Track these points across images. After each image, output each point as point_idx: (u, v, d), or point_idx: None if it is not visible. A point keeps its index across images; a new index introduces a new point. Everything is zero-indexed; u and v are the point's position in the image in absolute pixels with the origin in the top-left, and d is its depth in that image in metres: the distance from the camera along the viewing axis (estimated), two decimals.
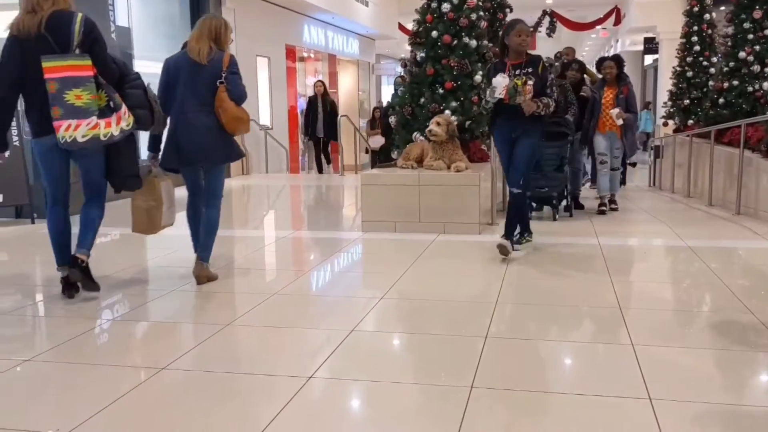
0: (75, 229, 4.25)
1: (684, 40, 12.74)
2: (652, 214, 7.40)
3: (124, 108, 3.92)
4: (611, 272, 4.66)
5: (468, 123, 6.63)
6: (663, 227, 6.48)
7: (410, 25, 7.33)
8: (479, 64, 6.73)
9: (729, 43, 9.06)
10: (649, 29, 18.84)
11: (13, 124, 6.86)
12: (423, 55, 6.72)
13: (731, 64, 8.85)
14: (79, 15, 3.84)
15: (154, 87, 4.33)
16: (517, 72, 4.95)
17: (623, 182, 9.31)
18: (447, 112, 6.51)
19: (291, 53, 14.34)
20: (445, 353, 3.23)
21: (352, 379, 2.96)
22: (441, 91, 6.63)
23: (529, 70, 4.98)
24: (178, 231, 6.41)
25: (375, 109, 14.45)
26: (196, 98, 4.22)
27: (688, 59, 12.62)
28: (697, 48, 12.54)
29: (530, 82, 4.91)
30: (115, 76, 3.98)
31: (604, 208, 7.35)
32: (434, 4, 6.67)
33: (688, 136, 9.89)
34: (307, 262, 5.38)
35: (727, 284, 4.27)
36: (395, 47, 23.12)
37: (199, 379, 2.95)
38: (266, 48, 12.86)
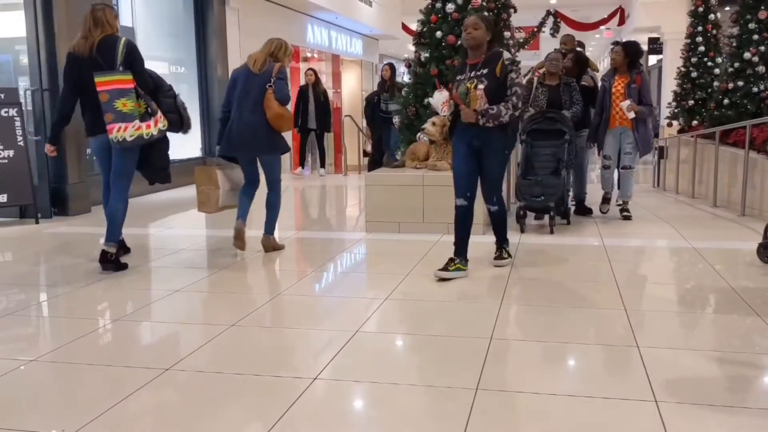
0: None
1: (689, 41, 12.72)
2: (656, 215, 7.38)
3: (159, 113, 4.80)
4: (616, 273, 4.65)
5: None
6: (668, 228, 6.47)
7: (414, 26, 7.33)
8: None
9: (734, 44, 9.05)
10: (654, 29, 18.81)
11: (18, 125, 6.90)
12: (427, 55, 6.72)
13: (736, 64, 8.83)
14: (123, 39, 4.75)
15: (183, 96, 5.29)
16: (472, 74, 4.41)
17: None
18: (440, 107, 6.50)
19: (294, 53, 14.33)
20: (449, 354, 3.22)
21: (357, 380, 2.95)
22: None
23: (484, 71, 4.38)
24: (183, 231, 6.41)
25: None
26: (250, 100, 5.09)
27: (693, 60, 12.60)
28: (701, 48, 12.51)
29: (480, 86, 4.33)
30: (150, 87, 4.84)
31: (625, 209, 6.91)
32: (438, 5, 6.67)
33: (692, 136, 9.88)
34: (310, 263, 5.37)
35: (733, 286, 4.26)
36: (399, 47, 23.12)
37: (203, 379, 2.95)
38: None
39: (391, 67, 10.50)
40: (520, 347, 3.32)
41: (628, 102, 6.55)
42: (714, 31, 12.49)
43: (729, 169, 8.01)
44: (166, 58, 10.49)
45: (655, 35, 19.71)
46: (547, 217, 6.29)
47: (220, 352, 3.28)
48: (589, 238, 5.95)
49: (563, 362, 3.16)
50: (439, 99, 4.35)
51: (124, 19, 9.29)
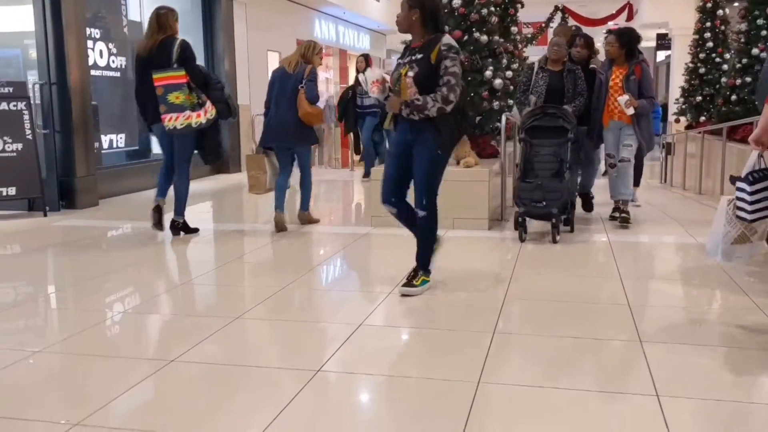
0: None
1: (697, 37, 12.68)
2: (663, 211, 7.37)
3: (209, 104, 5.46)
4: (620, 269, 4.66)
5: (478, 118, 6.62)
6: (674, 224, 6.46)
7: None
8: (490, 60, 6.71)
9: (742, 40, 9.02)
10: (662, 25, 18.74)
11: (26, 118, 6.94)
12: None
13: (744, 60, 8.81)
14: (178, 40, 5.41)
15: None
16: (409, 58, 3.95)
17: (636, 183, 7.55)
18: None
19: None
20: (452, 348, 3.24)
21: (360, 372, 2.97)
22: None
23: (419, 56, 3.88)
24: (191, 225, 6.42)
25: None
26: (285, 98, 5.84)
27: (701, 55, 12.56)
28: (709, 44, 12.47)
29: (410, 73, 3.87)
30: (200, 82, 5.50)
31: (615, 214, 6.30)
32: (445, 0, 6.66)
33: (699, 132, 9.85)
34: (315, 257, 5.40)
35: (737, 282, 4.25)
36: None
37: (208, 371, 2.97)
38: (277, 42, 12.87)
39: (366, 59, 9.85)
40: (523, 341, 3.33)
41: (626, 97, 5.87)
42: (722, 27, 12.45)
43: (736, 165, 7.99)
44: None
45: (663, 31, 19.64)
46: (549, 225, 5.59)
47: (225, 344, 3.30)
48: (594, 234, 5.91)
49: (566, 357, 3.17)
50: (371, 76, 3.92)
51: (132, 14, 9.32)
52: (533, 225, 5.95)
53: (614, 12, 19.89)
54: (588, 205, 6.86)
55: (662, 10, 17.51)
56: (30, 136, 6.98)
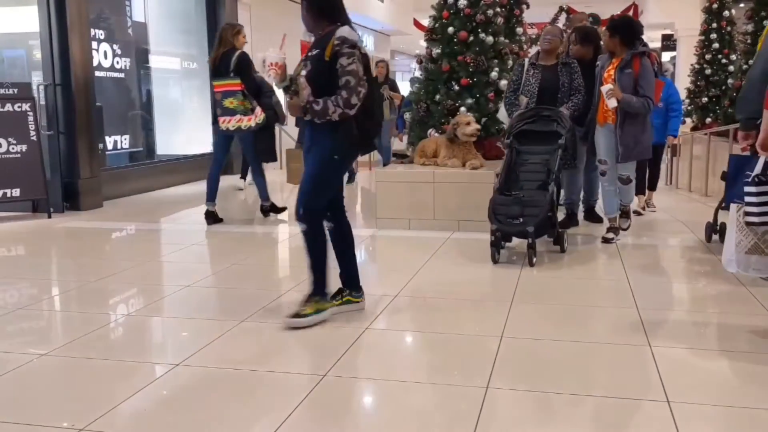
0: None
1: (702, 38, 12.64)
2: (669, 213, 7.33)
3: (258, 109, 6.12)
4: (628, 272, 4.62)
5: (483, 120, 6.59)
6: (680, 226, 6.42)
7: (426, 21, 7.31)
8: (495, 61, 6.69)
9: (748, 41, 8.98)
10: (667, 26, 18.70)
11: (30, 119, 6.93)
12: (438, 51, 6.69)
13: (750, 61, 8.75)
14: (237, 52, 6.11)
15: (194, 91, 6.51)
16: (307, 54, 3.55)
17: (653, 187, 7.23)
18: (462, 109, 6.48)
19: (306, 49, 14.32)
20: (459, 352, 3.21)
21: (366, 377, 2.95)
22: (456, 87, 6.60)
23: (315, 52, 3.46)
24: (193, 227, 6.41)
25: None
26: None
27: (707, 56, 12.52)
28: (716, 45, 12.43)
29: (303, 72, 3.49)
30: (253, 90, 6.20)
31: (609, 236, 5.49)
32: (450, 1, 6.64)
33: (705, 134, 9.80)
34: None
35: (745, 284, 4.22)
36: (410, 43, 23.07)
37: (213, 375, 2.95)
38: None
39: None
40: (530, 345, 3.30)
41: (609, 86, 5.13)
42: (728, 28, 12.41)
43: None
44: (178, 53, 10.51)
45: (668, 32, 19.59)
46: (526, 245, 4.77)
47: (231, 348, 3.28)
48: (598, 238, 5.87)
49: (574, 361, 3.14)
50: (270, 57, 3.57)
51: (137, 15, 9.32)
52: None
53: (619, 12, 19.84)
54: (595, 217, 6.30)
55: (668, 10, 17.47)
56: (34, 138, 6.97)
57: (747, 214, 3.29)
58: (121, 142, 9.06)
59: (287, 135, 10.00)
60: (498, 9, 6.87)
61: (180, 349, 3.26)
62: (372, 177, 8.47)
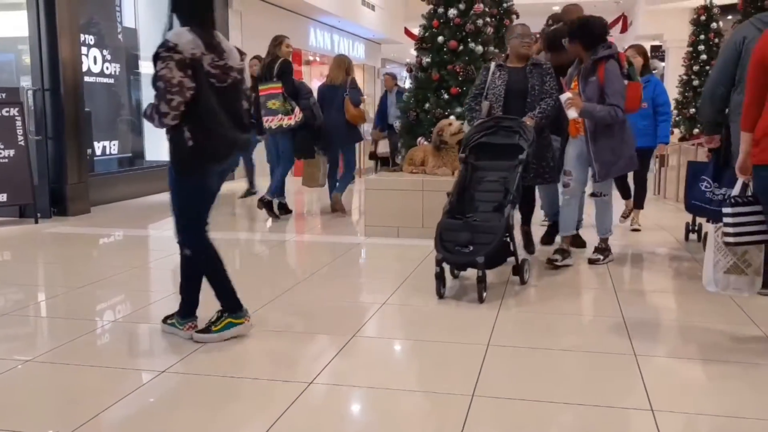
0: None
1: (691, 49, 12.75)
2: (657, 223, 7.37)
3: (297, 110, 6.92)
4: (615, 282, 4.64)
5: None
6: (668, 236, 6.45)
7: (416, 30, 7.34)
8: None
9: None
10: (656, 37, 18.84)
11: (18, 124, 6.90)
12: (428, 60, 6.72)
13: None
14: (280, 60, 6.94)
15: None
16: None
17: (640, 205, 6.68)
18: (452, 117, 6.50)
19: (297, 56, 14.34)
20: (446, 360, 3.21)
21: (353, 385, 2.95)
22: (446, 96, 6.63)
23: None
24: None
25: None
26: (334, 106, 7.27)
27: (695, 68, 12.62)
28: (703, 57, 12.55)
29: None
30: (292, 92, 6.95)
31: (555, 258, 4.88)
32: (441, 10, 6.68)
33: (693, 144, 9.86)
34: (308, 267, 5.36)
35: (732, 296, 4.24)
36: (401, 52, 23.15)
37: (199, 382, 2.94)
38: None
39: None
40: (517, 354, 3.31)
41: (567, 95, 4.60)
42: (716, 40, 12.53)
43: None
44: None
45: (657, 43, 19.74)
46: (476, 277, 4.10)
47: (218, 355, 3.27)
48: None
49: (560, 370, 3.15)
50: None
51: (127, 20, 9.30)
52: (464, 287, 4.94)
53: (609, 23, 19.98)
54: (579, 242, 5.54)
55: (657, 22, 17.61)
56: (22, 143, 6.93)
57: (725, 234, 3.31)
58: (110, 147, 9.03)
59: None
60: (487, 19, 6.93)
61: (166, 356, 3.24)
62: (360, 185, 8.49)
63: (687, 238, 6.09)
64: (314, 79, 16.94)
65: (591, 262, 5.07)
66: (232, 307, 3.45)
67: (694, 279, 4.82)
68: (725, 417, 2.62)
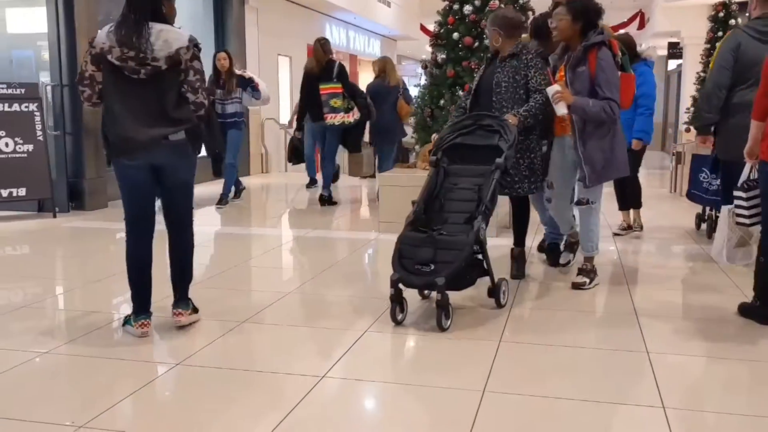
0: None
1: (708, 46, 12.64)
2: (672, 220, 7.33)
3: (355, 108, 7.61)
4: (628, 278, 4.63)
5: None
6: (681, 231, 6.42)
7: (432, 27, 7.33)
8: None
9: None
10: (674, 34, 18.66)
11: (37, 120, 6.98)
12: (444, 56, 6.71)
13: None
14: (337, 63, 7.69)
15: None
16: None
17: (637, 204, 6.27)
18: None
19: (311, 52, 14.38)
20: (458, 356, 3.23)
21: (365, 379, 2.97)
22: (461, 93, 6.62)
23: None
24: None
25: None
26: (388, 104, 8.00)
27: None
28: None
29: None
30: (350, 92, 7.63)
31: (582, 282, 4.30)
32: (456, 6, 6.66)
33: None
34: (322, 262, 5.39)
35: (748, 294, 4.22)
36: (417, 48, 23.10)
37: (213, 375, 2.98)
38: (288, 47, 12.91)
39: (229, 56, 7.87)
40: (529, 350, 3.31)
41: (555, 87, 4.01)
42: None
43: None
44: None
45: (674, 40, 19.57)
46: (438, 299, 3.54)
47: (231, 348, 3.30)
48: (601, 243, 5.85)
49: (572, 366, 3.15)
50: None
51: None
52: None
53: (626, 20, 19.84)
54: (555, 256, 4.94)
55: (674, 19, 17.43)
56: (41, 138, 7.02)
57: (738, 215, 3.79)
58: None
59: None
60: None
61: (179, 349, 3.28)
62: (376, 182, 8.52)
63: (698, 227, 6.37)
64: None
65: (575, 286, 4.31)
66: (134, 308, 3.47)
67: (707, 274, 4.80)
68: (737, 415, 2.62)
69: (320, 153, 8.18)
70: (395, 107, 8.05)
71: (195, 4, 10.64)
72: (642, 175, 6.61)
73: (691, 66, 16.19)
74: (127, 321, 3.51)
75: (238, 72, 7.78)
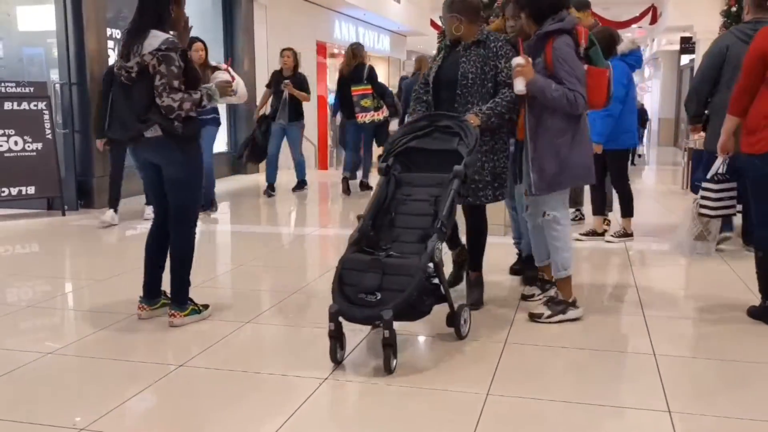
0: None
1: None
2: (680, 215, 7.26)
3: (384, 107, 8.37)
4: (636, 278, 4.60)
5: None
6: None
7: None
8: None
9: None
10: (686, 29, 18.51)
11: (46, 118, 7.01)
12: None
13: None
14: (367, 65, 8.42)
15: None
16: None
17: (629, 213, 5.81)
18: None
19: (322, 49, 14.36)
20: (462, 358, 3.21)
21: (369, 381, 2.95)
22: None
23: None
24: (202, 226, 6.42)
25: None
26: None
27: None
28: None
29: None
30: (380, 93, 8.38)
31: (539, 313, 3.65)
32: None
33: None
34: (329, 260, 5.38)
35: (757, 294, 4.17)
36: (427, 44, 23.04)
37: (216, 376, 2.97)
38: (297, 43, 12.81)
39: (205, 47, 6.92)
40: (533, 353, 3.29)
41: (519, 59, 3.45)
42: None
43: None
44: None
45: (687, 34, 19.41)
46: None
47: (234, 350, 3.30)
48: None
49: (576, 369, 3.13)
50: (221, 78, 4.26)
51: None
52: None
53: (638, 15, 19.70)
54: (524, 269, 4.49)
55: (687, 13, 17.29)
56: (50, 136, 7.04)
57: (702, 206, 3.96)
58: None
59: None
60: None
61: (183, 350, 3.28)
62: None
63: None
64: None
65: (531, 317, 3.68)
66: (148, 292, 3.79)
67: (715, 273, 4.76)
68: (743, 420, 2.59)
69: (363, 146, 8.81)
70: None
71: (203, 1, 10.65)
72: (654, 171, 6.55)
73: None
74: (194, 311, 3.68)
75: (213, 64, 6.80)
